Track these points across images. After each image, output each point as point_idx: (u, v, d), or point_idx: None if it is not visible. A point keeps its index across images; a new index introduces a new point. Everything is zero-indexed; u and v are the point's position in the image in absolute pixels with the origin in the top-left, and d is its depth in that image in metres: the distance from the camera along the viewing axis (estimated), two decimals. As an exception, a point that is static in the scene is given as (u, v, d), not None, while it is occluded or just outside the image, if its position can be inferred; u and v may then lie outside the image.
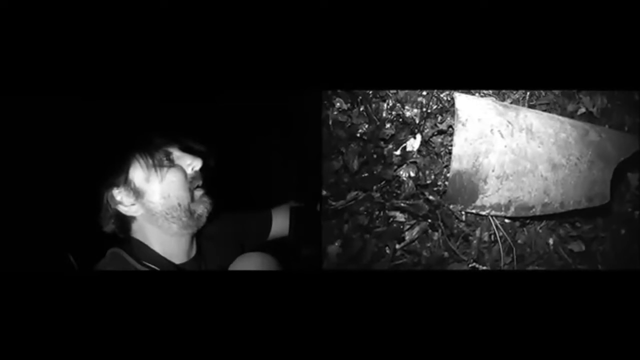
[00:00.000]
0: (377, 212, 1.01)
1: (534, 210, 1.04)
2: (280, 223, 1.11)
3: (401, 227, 1.02)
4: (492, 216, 1.04)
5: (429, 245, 1.02)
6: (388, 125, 1.04)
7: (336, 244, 0.98)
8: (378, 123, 1.04)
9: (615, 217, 1.16)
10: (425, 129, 1.05)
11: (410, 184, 1.02)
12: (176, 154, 0.85)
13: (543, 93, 1.15)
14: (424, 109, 1.05)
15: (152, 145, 0.83)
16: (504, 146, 1.01)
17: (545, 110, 1.12)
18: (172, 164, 0.83)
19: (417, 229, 1.02)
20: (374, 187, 1.02)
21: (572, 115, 1.13)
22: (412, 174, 1.03)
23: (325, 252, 0.97)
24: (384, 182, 1.02)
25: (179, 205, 0.82)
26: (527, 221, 1.07)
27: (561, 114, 1.12)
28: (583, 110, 1.15)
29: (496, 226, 1.04)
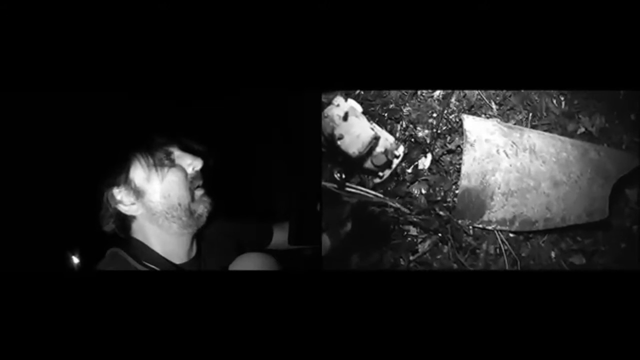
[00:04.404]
0: (392, 226, 1.07)
1: (537, 225, 1.10)
2: (280, 237, 1.12)
3: (414, 240, 1.07)
4: (497, 230, 1.10)
5: (439, 257, 1.08)
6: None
7: (355, 255, 1.04)
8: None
9: (615, 231, 1.20)
10: (436, 148, 1.12)
11: (422, 200, 1.08)
12: (177, 153, 0.85)
13: (545, 114, 1.22)
14: (435, 130, 1.12)
15: (153, 144, 0.82)
16: (509, 165, 1.08)
17: (546, 131, 1.18)
18: (172, 163, 0.83)
19: (428, 242, 1.08)
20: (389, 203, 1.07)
21: (572, 135, 1.20)
22: (424, 191, 1.09)
23: (346, 263, 1.02)
24: (398, 197, 1.09)
25: (179, 204, 0.82)
26: (531, 235, 1.13)
27: (562, 134, 1.19)
28: (583, 130, 1.21)
29: (501, 240, 1.10)
